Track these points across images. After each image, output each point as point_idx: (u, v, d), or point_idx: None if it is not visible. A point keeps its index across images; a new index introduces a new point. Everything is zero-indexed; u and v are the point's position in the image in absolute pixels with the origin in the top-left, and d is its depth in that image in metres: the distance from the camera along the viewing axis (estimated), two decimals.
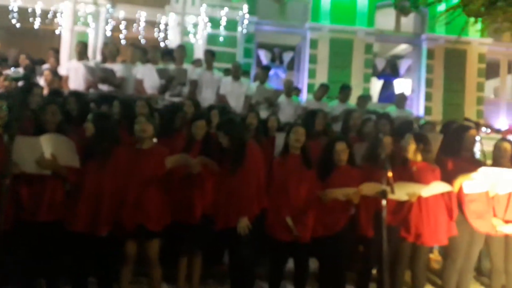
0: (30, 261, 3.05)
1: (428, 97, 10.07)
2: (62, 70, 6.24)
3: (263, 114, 6.00)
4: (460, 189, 3.58)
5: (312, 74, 9.62)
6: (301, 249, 3.42)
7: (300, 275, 3.52)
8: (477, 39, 9.81)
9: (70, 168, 3.04)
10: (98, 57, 6.77)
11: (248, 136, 3.67)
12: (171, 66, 6.00)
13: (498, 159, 3.73)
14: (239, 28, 8.71)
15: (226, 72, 6.83)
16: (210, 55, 6.34)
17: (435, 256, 4.75)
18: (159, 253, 3.29)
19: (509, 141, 3.79)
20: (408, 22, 10.43)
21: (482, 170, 3.48)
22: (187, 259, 3.52)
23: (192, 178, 3.29)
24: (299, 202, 3.37)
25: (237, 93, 6.21)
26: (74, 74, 6.06)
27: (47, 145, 2.95)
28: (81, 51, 6.22)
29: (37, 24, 8.04)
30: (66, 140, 3.04)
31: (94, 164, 3.13)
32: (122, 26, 8.32)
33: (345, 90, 6.47)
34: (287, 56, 10.46)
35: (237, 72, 6.26)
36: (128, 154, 3.25)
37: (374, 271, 3.75)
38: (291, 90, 6.58)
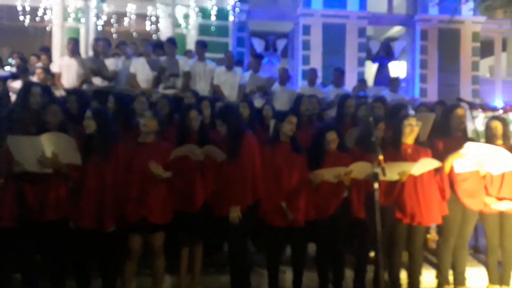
0: (32, 259, 3.13)
1: (423, 78, 10.05)
2: (54, 68, 6.20)
3: (258, 103, 6.02)
4: (452, 169, 3.58)
5: (306, 60, 9.59)
6: (297, 234, 3.47)
7: (298, 260, 3.56)
8: (470, 18, 9.76)
9: (72, 165, 3.07)
10: (91, 53, 6.73)
11: (245, 125, 3.65)
12: (163, 59, 5.98)
13: (490, 137, 3.72)
14: (231, 17, 8.65)
15: (219, 62, 6.81)
16: (202, 45, 6.30)
17: (432, 236, 4.80)
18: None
19: (500, 119, 3.78)
20: (401, 3, 10.36)
21: (467, 145, 3.45)
22: (188, 249, 3.54)
23: (193, 167, 3.30)
24: (291, 187, 3.40)
25: (231, 83, 6.19)
26: (66, 71, 6.01)
27: (48, 143, 2.99)
28: (73, 48, 6.18)
29: (27, 21, 7.99)
30: (67, 138, 3.06)
31: (96, 160, 3.14)
32: (112, 20, 8.27)
33: (336, 74, 6.48)
34: (280, 44, 10.40)
35: (230, 62, 6.24)
36: (130, 148, 3.27)
37: (372, 254, 3.78)
38: (286, 78, 6.57)
